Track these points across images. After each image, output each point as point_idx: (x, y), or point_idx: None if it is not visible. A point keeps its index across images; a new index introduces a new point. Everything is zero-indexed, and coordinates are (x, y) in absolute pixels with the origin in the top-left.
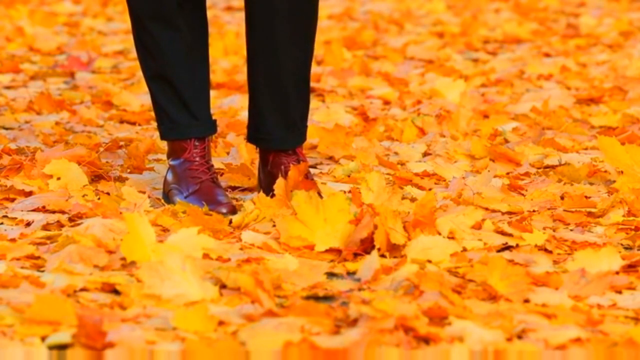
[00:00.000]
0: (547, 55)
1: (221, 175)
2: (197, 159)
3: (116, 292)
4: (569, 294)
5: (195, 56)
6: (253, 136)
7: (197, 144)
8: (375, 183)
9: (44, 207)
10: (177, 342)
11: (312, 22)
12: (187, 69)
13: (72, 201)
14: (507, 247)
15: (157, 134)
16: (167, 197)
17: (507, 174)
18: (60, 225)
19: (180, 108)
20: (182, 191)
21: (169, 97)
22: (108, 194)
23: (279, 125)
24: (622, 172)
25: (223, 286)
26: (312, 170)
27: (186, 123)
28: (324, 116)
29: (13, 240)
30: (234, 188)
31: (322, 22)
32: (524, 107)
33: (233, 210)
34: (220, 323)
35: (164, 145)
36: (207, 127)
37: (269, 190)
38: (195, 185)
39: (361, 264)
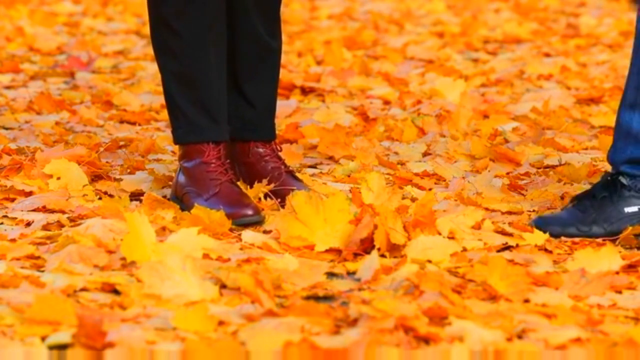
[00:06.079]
0: (547, 55)
1: None
2: (214, 160)
3: (116, 292)
4: (569, 294)
5: (219, 60)
6: (235, 129)
7: (213, 145)
8: (375, 183)
9: (44, 207)
10: (177, 342)
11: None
12: (212, 72)
13: (72, 201)
14: (507, 247)
15: (157, 134)
16: (181, 201)
17: (507, 174)
18: (60, 225)
19: (200, 110)
20: (200, 194)
21: (189, 99)
22: (108, 194)
23: (268, 116)
24: None
25: (223, 286)
26: (312, 171)
27: (205, 126)
28: (324, 116)
29: (13, 240)
30: None
31: (322, 22)
32: (524, 107)
33: (257, 211)
34: (220, 323)
35: (164, 145)
36: (225, 132)
37: (250, 178)
38: (215, 188)
39: (361, 264)
